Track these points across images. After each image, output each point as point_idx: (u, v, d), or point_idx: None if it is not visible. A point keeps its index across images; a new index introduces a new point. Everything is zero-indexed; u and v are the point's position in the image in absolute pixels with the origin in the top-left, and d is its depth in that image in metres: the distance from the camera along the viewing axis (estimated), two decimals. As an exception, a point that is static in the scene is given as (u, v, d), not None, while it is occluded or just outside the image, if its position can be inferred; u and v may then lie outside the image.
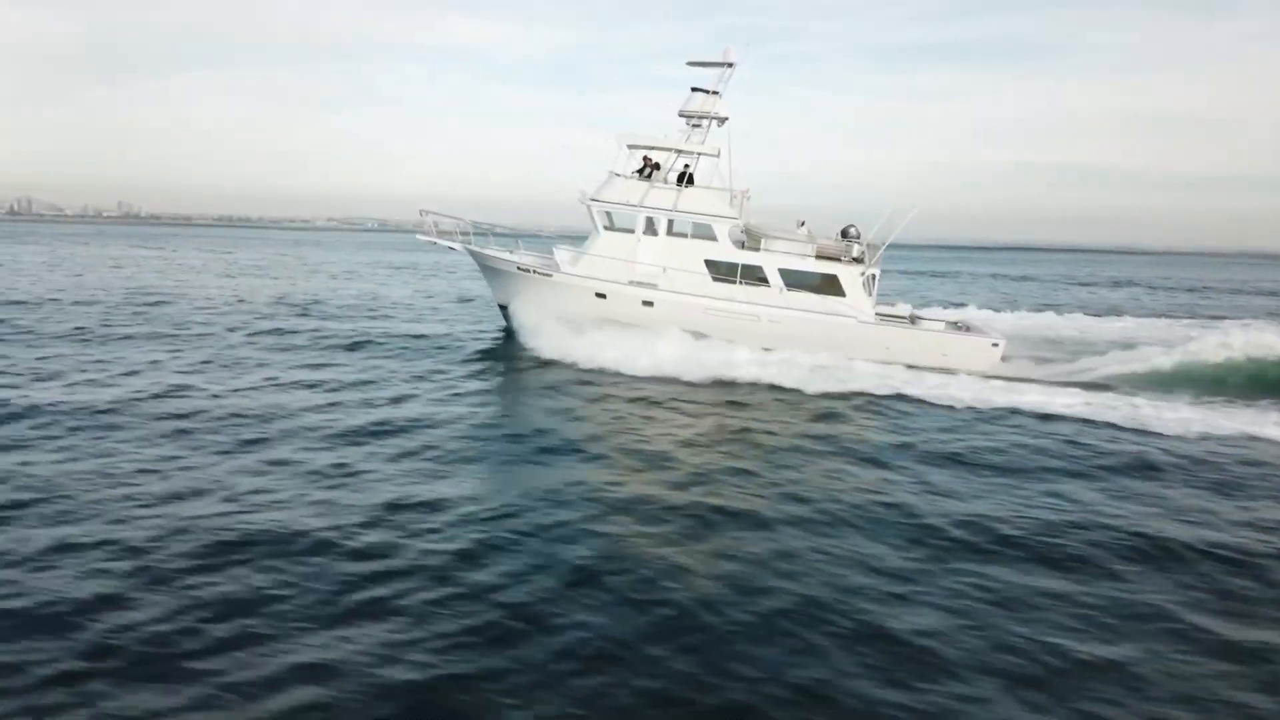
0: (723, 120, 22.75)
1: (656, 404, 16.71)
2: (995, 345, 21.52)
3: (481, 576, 8.47)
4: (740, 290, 21.88)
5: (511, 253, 23.77)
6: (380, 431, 13.78)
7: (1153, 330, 28.51)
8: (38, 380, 16.86)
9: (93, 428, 13.37)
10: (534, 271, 22.87)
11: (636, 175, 22.59)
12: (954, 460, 13.42)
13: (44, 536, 9.07)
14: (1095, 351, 22.93)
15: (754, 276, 21.82)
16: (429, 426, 14.25)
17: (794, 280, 21.77)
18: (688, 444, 13.88)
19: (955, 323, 24.11)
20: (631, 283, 22.05)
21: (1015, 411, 16.69)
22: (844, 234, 22.85)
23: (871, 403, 17.18)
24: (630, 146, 22.73)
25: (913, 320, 23.51)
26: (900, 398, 17.72)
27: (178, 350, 20.99)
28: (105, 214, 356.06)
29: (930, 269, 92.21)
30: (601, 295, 22.20)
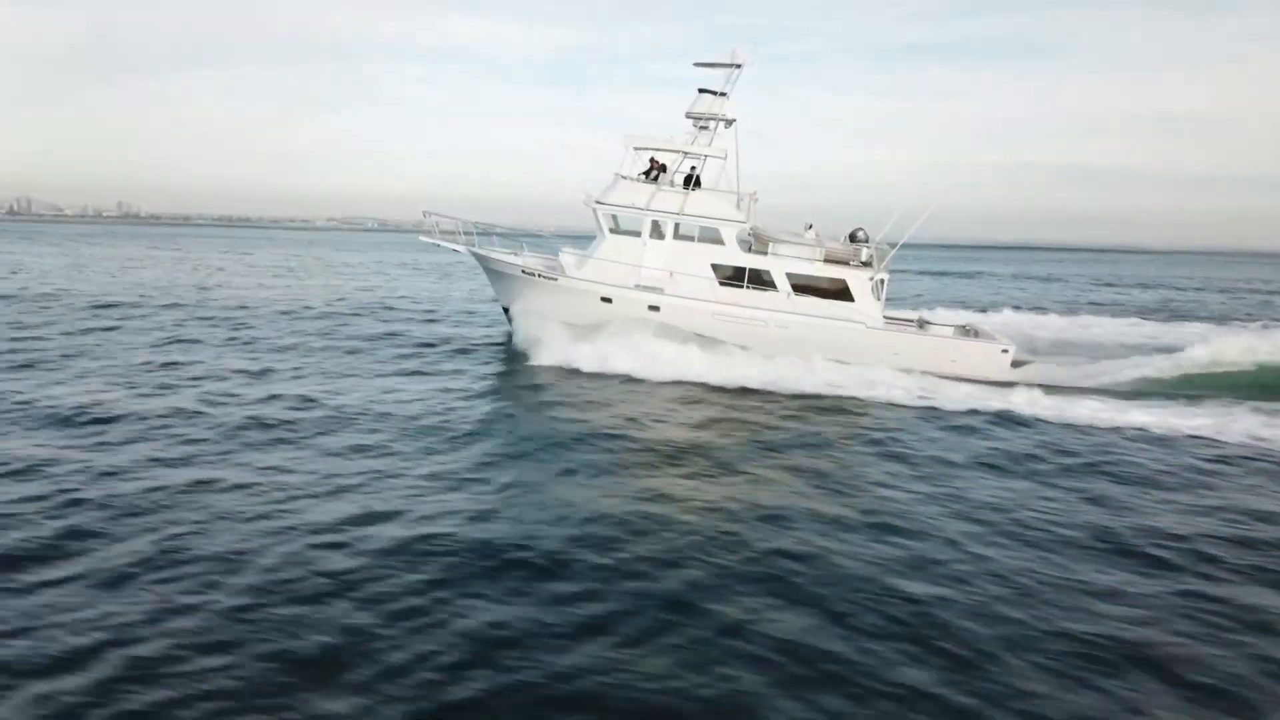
0: (730, 122, 22.39)
1: (791, 415, 16.40)
2: (1005, 351, 21.22)
3: (721, 607, 8.08)
4: (747, 295, 21.49)
5: (516, 255, 23.41)
6: (533, 445, 13.50)
7: (1224, 335, 28.16)
8: (161, 389, 16.61)
9: (236, 443, 13.05)
10: (539, 275, 22.48)
11: (642, 177, 22.21)
12: (1117, 478, 13.04)
13: (253, 567, 8.70)
14: (1114, 355, 22.75)
15: (761, 281, 21.47)
16: (575, 440, 13.94)
17: (802, 284, 21.42)
18: (837, 461, 13.54)
19: (964, 327, 23.78)
20: (637, 287, 21.69)
21: (1143, 430, 16.20)
22: (852, 237, 22.49)
23: (995, 420, 16.74)
24: (636, 148, 22.37)
25: (921, 325, 23.18)
26: (1010, 414, 17.23)
27: (280, 359, 20.70)
28: (105, 214, 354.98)
29: (942, 269, 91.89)
30: (607, 299, 21.85)
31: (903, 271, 76.94)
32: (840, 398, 18.33)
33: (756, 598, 8.34)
